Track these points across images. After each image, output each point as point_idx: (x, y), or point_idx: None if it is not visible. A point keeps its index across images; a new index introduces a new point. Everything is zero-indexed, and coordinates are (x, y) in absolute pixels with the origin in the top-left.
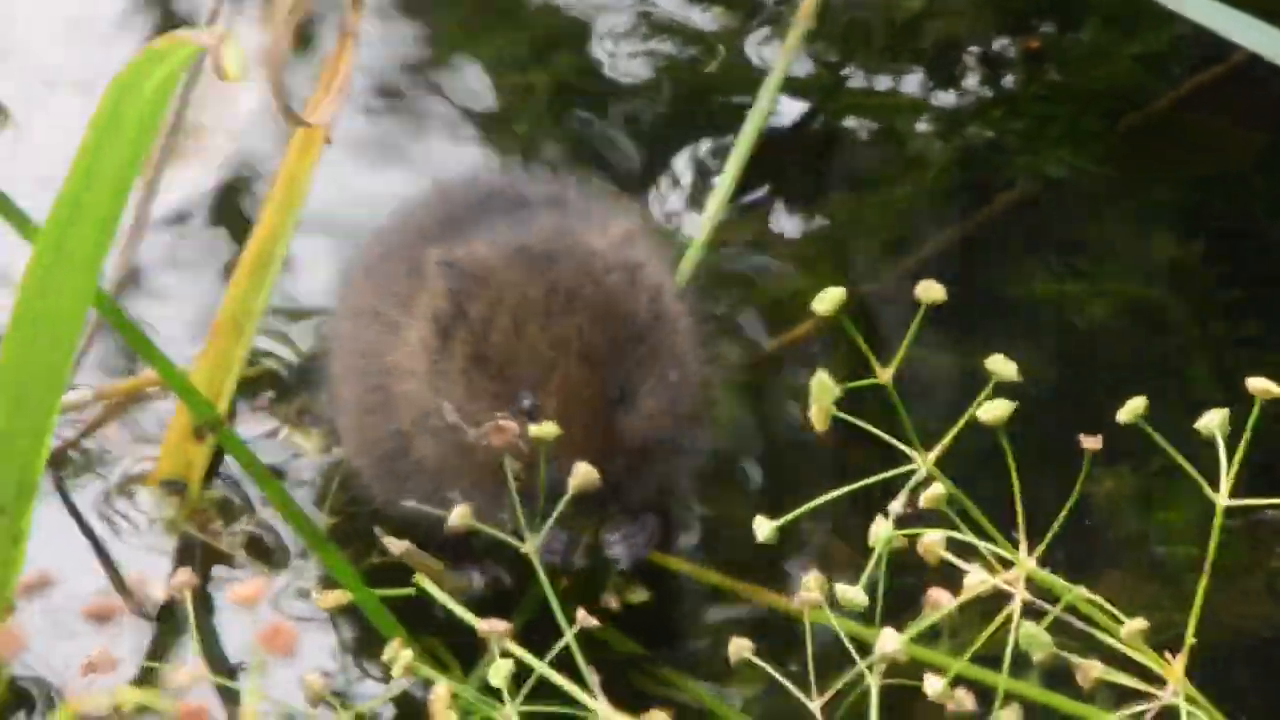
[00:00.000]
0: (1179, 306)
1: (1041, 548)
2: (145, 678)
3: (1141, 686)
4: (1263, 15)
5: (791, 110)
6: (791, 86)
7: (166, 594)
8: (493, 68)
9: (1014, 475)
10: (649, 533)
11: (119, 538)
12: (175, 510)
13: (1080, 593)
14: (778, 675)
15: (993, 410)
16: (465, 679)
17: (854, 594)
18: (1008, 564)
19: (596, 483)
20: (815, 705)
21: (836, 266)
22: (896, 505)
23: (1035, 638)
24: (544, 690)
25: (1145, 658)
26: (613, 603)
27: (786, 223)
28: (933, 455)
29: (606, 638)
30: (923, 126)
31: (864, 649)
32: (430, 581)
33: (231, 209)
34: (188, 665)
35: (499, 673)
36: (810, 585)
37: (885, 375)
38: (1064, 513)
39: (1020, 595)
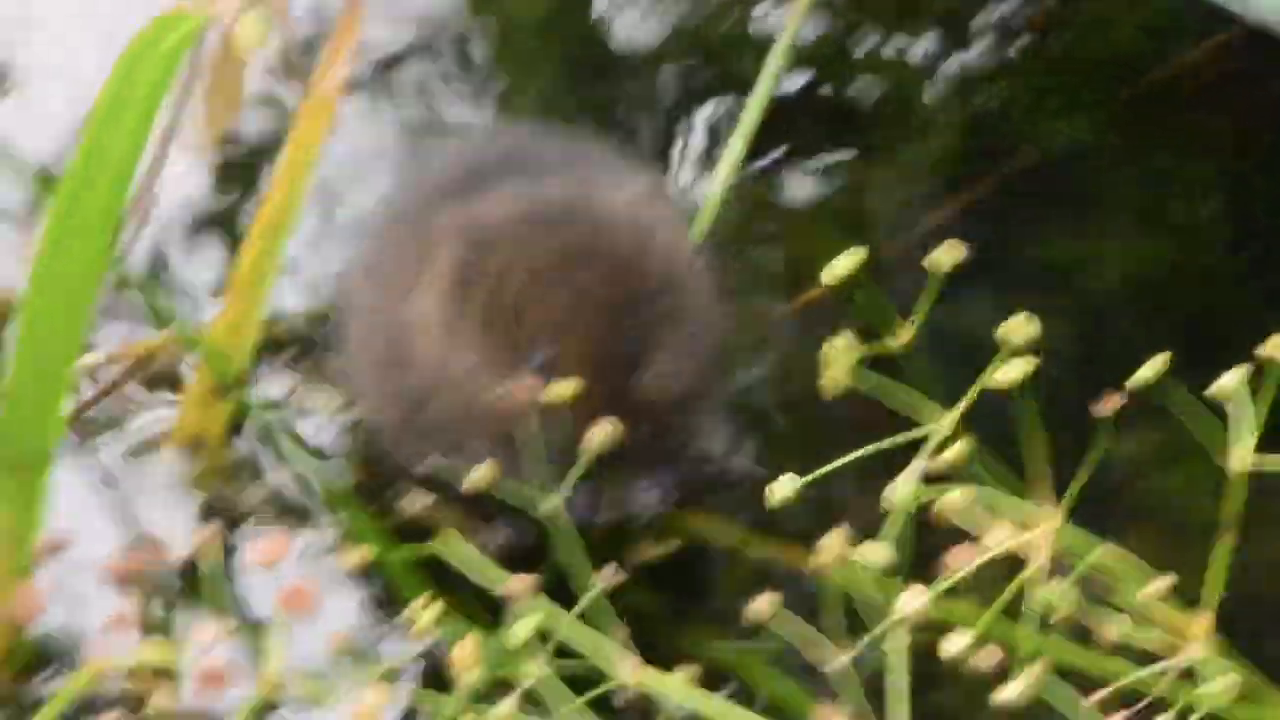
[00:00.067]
0: (1191, 269)
1: (1063, 507)
2: (166, 637)
3: (1165, 645)
4: None
5: (802, 75)
6: (800, 51)
7: (188, 553)
8: (502, 32)
9: (1035, 436)
10: (668, 486)
11: (139, 498)
12: (195, 470)
13: (1104, 551)
14: (801, 632)
15: (1009, 373)
16: (490, 635)
17: (876, 551)
18: (1030, 524)
19: (615, 439)
20: (839, 662)
21: (848, 231)
22: (918, 467)
23: (1058, 596)
24: (569, 646)
25: (1169, 616)
26: (640, 557)
27: (796, 187)
28: (950, 417)
29: (631, 593)
30: (932, 91)
31: (887, 607)
32: (454, 538)
33: (246, 170)
34: (209, 624)
35: (524, 629)
36: (833, 543)
37: (901, 340)
38: (1084, 473)
39: (1043, 554)
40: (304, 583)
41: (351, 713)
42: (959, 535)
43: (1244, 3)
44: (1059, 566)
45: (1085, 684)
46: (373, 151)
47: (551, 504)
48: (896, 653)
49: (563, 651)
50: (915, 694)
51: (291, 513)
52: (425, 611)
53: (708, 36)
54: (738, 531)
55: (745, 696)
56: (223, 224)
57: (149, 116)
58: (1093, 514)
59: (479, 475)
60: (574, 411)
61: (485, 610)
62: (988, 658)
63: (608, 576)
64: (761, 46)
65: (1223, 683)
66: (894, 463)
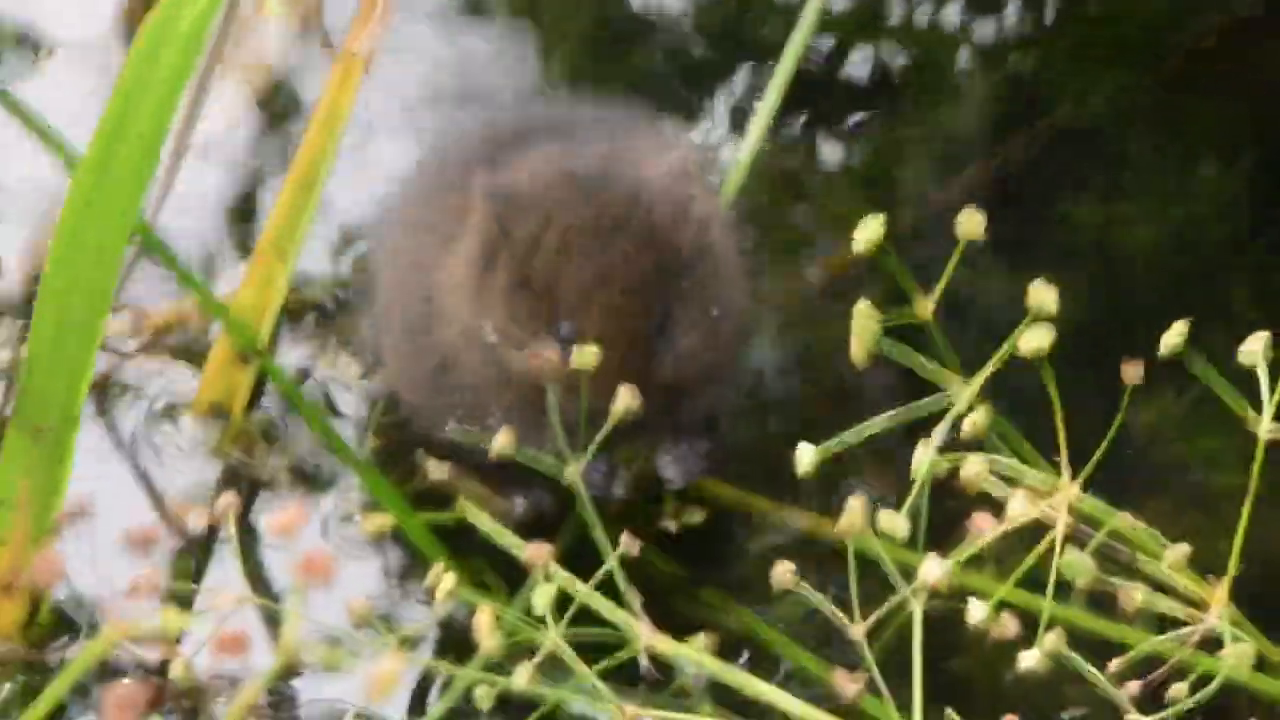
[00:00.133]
0: (1222, 233)
1: (1084, 475)
2: (187, 603)
3: (1185, 610)
4: None
5: (830, 39)
6: (831, 15)
7: (209, 519)
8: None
9: (1056, 402)
10: (701, 455)
11: (161, 464)
12: (218, 436)
13: (1123, 519)
14: (821, 600)
15: (1034, 339)
16: (509, 603)
17: (896, 521)
18: (1051, 491)
19: (636, 410)
20: (859, 630)
21: (878, 195)
22: (940, 432)
23: (1078, 564)
24: (587, 614)
25: (1189, 582)
26: (671, 526)
27: (827, 152)
28: (975, 383)
29: (649, 562)
30: (964, 56)
31: (907, 575)
32: (474, 506)
33: (273, 136)
34: (230, 589)
35: (542, 596)
36: (853, 511)
37: (926, 307)
38: (1106, 440)
39: (1063, 522)
40: (323, 550)
41: (369, 680)
42: (980, 503)
43: None
44: (1078, 535)
45: (1103, 652)
46: (400, 117)
47: (570, 473)
48: (915, 621)
49: (581, 616)
50: (933, 662)
51: (311, 480)
52: (444, 579)
53: (737, 1)
54: (758, 499)
55: (762, 664)
56: (249, 189)
57: (176, 80)
58: (1112, 482)
59: (500, 442)
60: (595, 382)
61: (505, 577)
62: (1008, 626)
63: (626, 543)
64: (791, 10)
65: (1239, 651)
66: (917, 431)
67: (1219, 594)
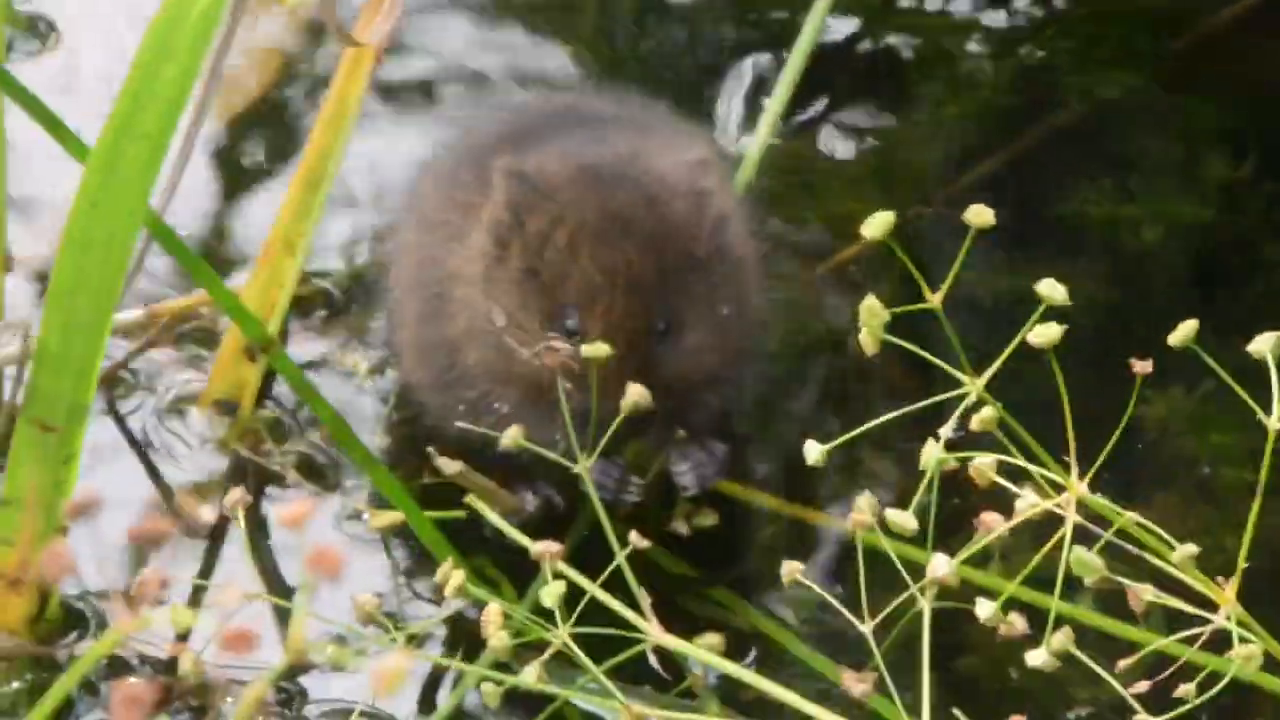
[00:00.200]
0: (1231, 228)
1: (1092, 471)
2: (196, 598)
3: (1194, 610)
4: None
5: (843, 29)
6: (843, 5)
7: (218, 514)
8: None
9: (1064, 398)
10: (719, 460)
11: (170, 458)
12: (226, 431)
13: (1131, 517)
14: (829, 598)
15: (1043, 333)
16: (517, 600)
17: (904, 518)
18: (1059, 488)
19: (645, 407)
20: (867, 628)
21: (887, 187)
22: (948, 428)
23: (1087, 562)
24: (596, 612)
25: (1197, 582)
26: (683, 529)
27: (837, 143)
28: (983, 378)
29: (658, 560)
30: (974, 47)
31: (916, 572)
32: (483, 502)
33: (282, 128)
34: (238, 585)
35: (551, 594)
36: (861, 508)
37: (935, 299)
38: (1115, 436)
39: (1071, 519)
40: (332, 546)
41: (376, 677)
42: (989, 500)
43: None
44: (1083, 532)
45: (1111, 651)
46: (412, 107)
47: (580, 469)
48: (923, 619)
49: (590, 614)
50: (940, 661)
51: (320, 475)
52: (454, 575)
53: None
54: (765, 497)
55: (769, 663)
56: (259, 181)
57: (184, 80)
58: (1121, 478)
59: (509, 437)
60: (602, 379)
61: (513, 574)
62: (1016, 624)
63: (635, 541)
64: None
65: (1248, 651)
66: (925, 426)
67: (1228, 592)
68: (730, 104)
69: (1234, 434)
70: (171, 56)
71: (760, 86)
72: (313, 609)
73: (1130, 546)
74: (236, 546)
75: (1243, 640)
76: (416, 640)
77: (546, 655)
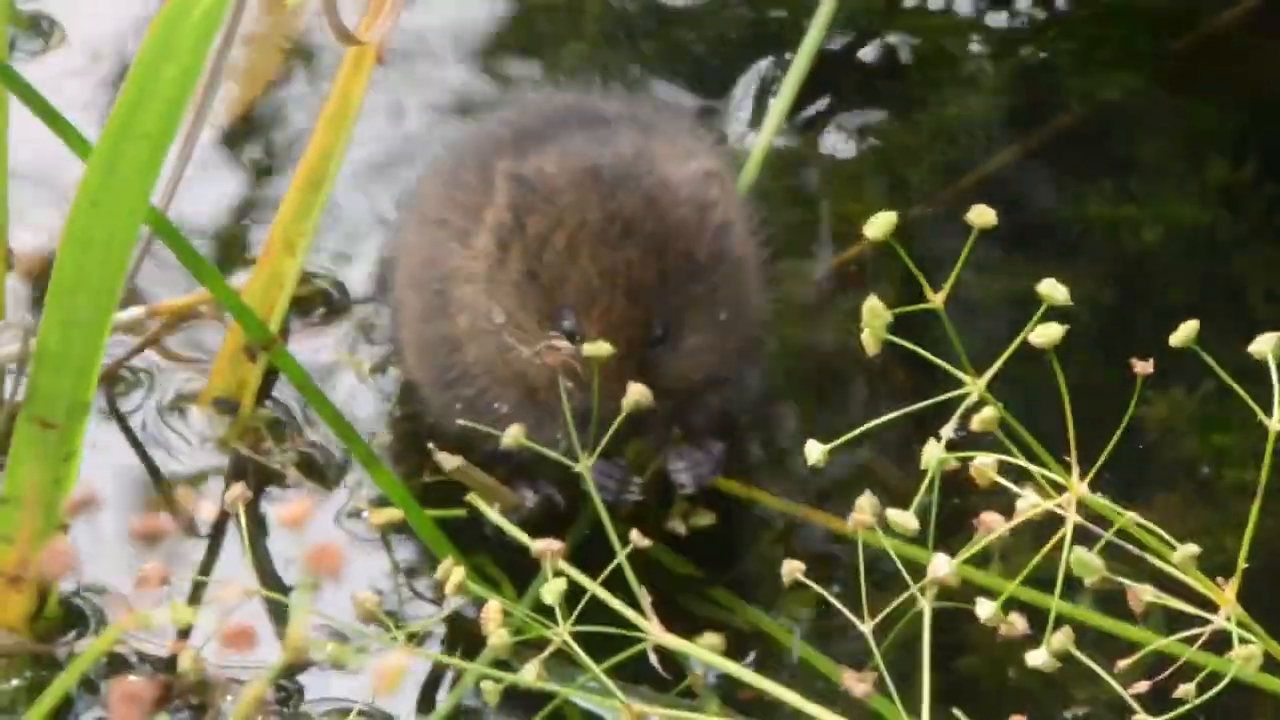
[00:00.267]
0: (1232, 229)
1: (1093, 472)
2: (196, 596)
3: (1194, 611)
4: None
5: (847, 31)
6: (847, 6)
7: (218, 512)
8: None
9: (1066, 398)
10: (715, 459)
11: (170, 456)
12: (227, 429)
13: (1132, 517)
14: (830, 598)
15: (1045, 334)
16: (518, 598)
17: (905, 518)
18: (1060, 488)
19: (646, 406)
20: (867, 628)
21: (889, 188)
22: (949, 429)
23: (1087, 562)
24: (596, 610)
25: (1197, 582)
26: (679, 528)
27: (840, 144)
28: (984, 379)
29: (659, 559)
30: (975, 47)
31: (916, 572)
32: (483, 500)
33: (284, 127)
34: (237, 583)
35: (551, 592)
36: (862, 508)
37: (938, 299)
38: (1116, 436)
39: (1072, 519)
40: (332, 545)
41: (376, 675)
42: (989, 500)
43: None
44: (1083, 533)
45: (1111, 651)
46: (413, 105)
47: (581, 467)
48: (923, 619)
49: (590, 613)
50: (940, 661)
51: (321, 473)
52: (454, 573)
53: None
54: (766, 497)
55: (770, 663)
56: (261, 180)
57: (185, 81)
58: (1122, 478)
59: (510, 435)
60: (601, 381)
61: (514, 572)
62: (1016, 624)
63: (636, 540)
64: (810, 2)
65: (1248, 651)
66: (927, 426)
67: (1228, 593)
68: (735, 104)
69: (1235, 435)
70: (173, 56)
71: (765, 87)
72: (313, 607)
73: (1131, 547)
74: (236, 544)
75: (1243, 641)
76: (416, 638)
77: (546, 653)
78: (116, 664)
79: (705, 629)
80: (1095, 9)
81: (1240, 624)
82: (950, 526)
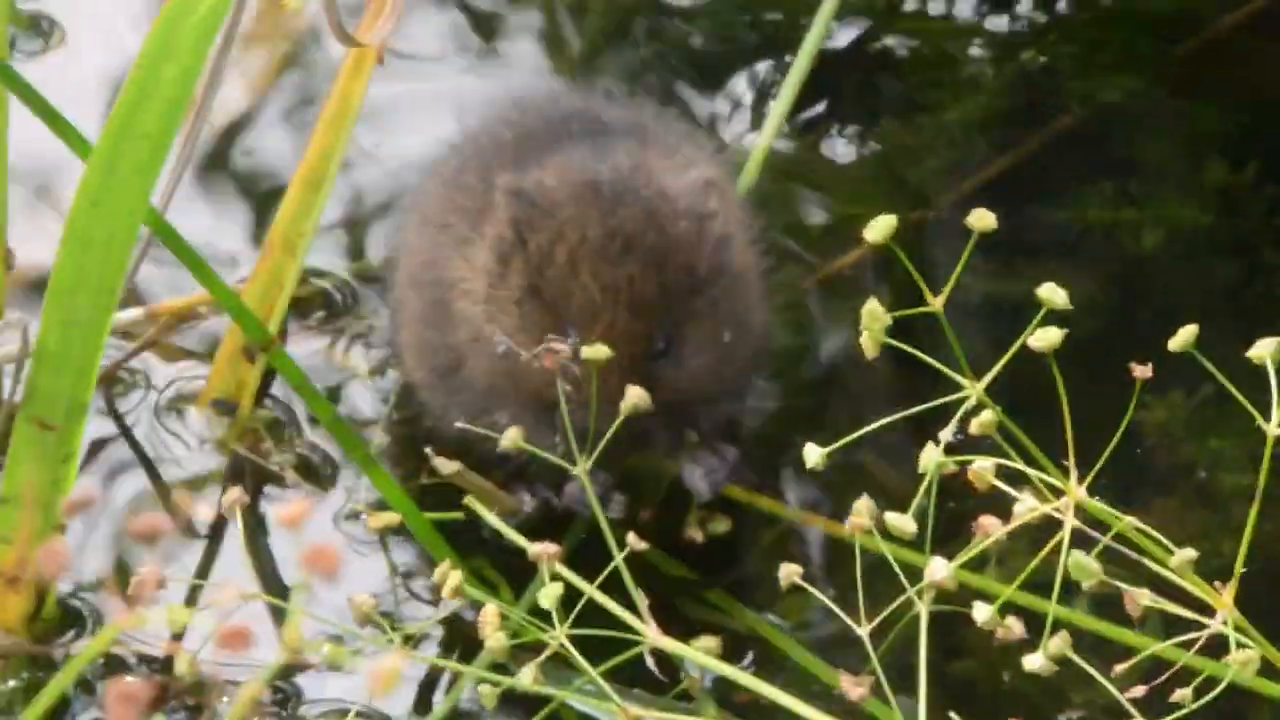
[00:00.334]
0: (1231, 233)
1: (1091, 476)
2: (193, 597)
3: (1191, 615)
4: None
5: (847, 33)
6: (847, 8)
7: (216, 513)
8: None
9: (1064, 402)
10: (730, 465)
11: (169, 457)
12: (225, 430)
13: (1130, 522)
14: (827, 601)
15: (1044, 338)
16: (515, 601)
17: (903, 522)
18: (1058, 492)
19: (644, 419)
20: (864, 631)
21: (889, 191)
22: (947, 432)
23: (1084, 566)
24: (593, 613)
25: (1194, 587)
26: (697, 536)
27: (840, 146)
28: (983, 382)
29: (656, 562)
30: (976, 51)
31: (914, 576)
32: (481, 504)
33: (283, 128)
34: (235, 584)
35: (549, 595)
36: (860, 511)
37: (937, 302)
38: (1114, 441)
39: (1069, 523)
40: (329, 546)
41: (372, 676)
42: (987, 504)
43: None
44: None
45: (1108, 655)
46: (413, 107)
47: (578, 471)
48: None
49: (587, 616)
50: (937, 665)
51: (319, 475)
52: (451, 575)
53: None
54: (764, 500)
55: (767, 667)
56: (260, 180)
57: (185, 81)
58: (1120, 482)
59: (508, 438)
60: (600, 395)
61: (511, 575)
62: (1013, 627)
63: (633, 543)
64: (810, 2)
65: (1245, 656)
66: (926, 430)
67: (1226, 597)
68: (734, 107)
69: (1233, 439)
70: (174, 56)
71: (765, 88)
72: (310, 609)
73: (1128, 551)
74: (235, 545)
75: (1240, 645)
76: (413, 641)
77: (543, 656)
78: (113, 665)
79: (702, 632)
80: (1096, 13)
81: (1238, 628)
82: (949, 530)
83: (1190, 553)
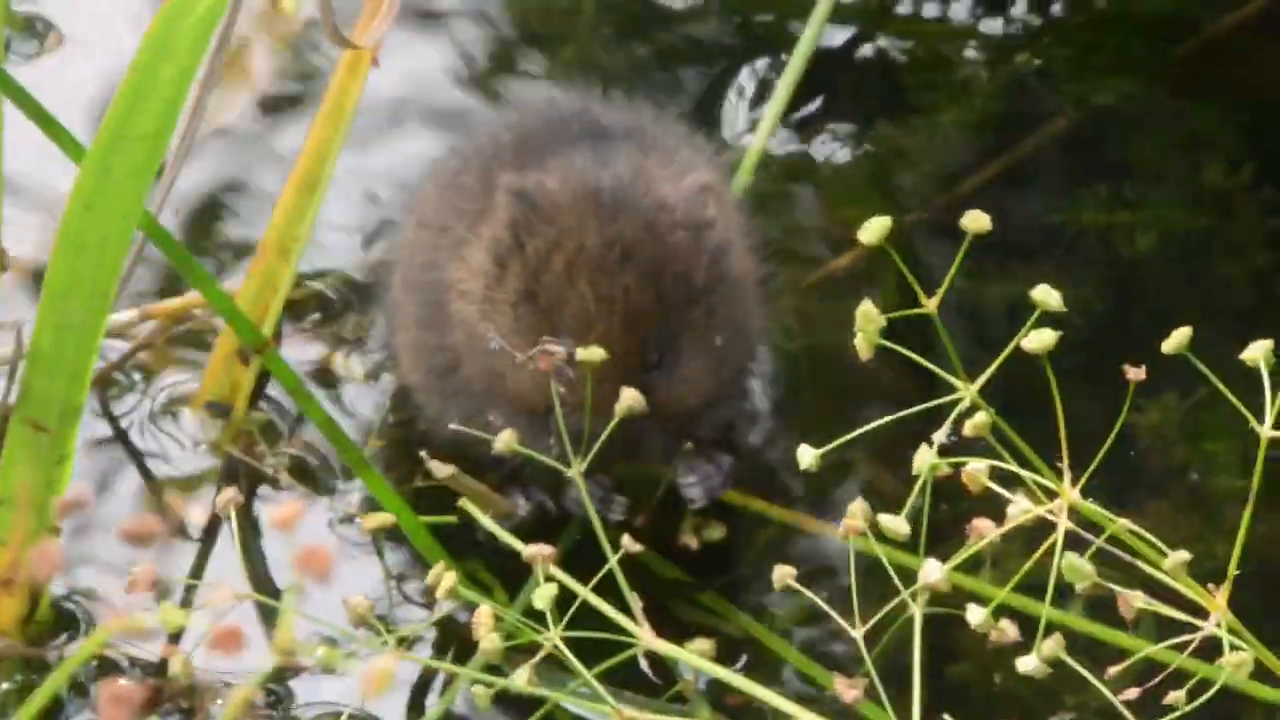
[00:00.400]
0: (1226, 235)
1: (1085, 478)
2: (187, 599)
3: (1184, 617)
4: None
5: (841, 35)
6: (841, 11)
7: (209, 515)
8: None
9: (1058, 405)
10: (725, 471)
11: (163, 459)
12: (219, 432)
13: (1123, 524)
14: (821, 603)
15: (1038, 340)
16: (509, 603)
17: (897, 524)
18: (1051, 494)
19: (637, 422)
20: (858, 633)
21: (884, 193)
22: (941, 434)
23: (1078, 568)
24: (587, 616)
25: (1188, 589)
26: (692, 542)
27: (834, 148)
28: (977, 384)
29: (650, 565)
30: (970, 53)
31: (908, 578)
32: (475, 506)
33: (278, 131)
34: (227, 586)
35: (543, 597)
36: (854, 513)
37: (931, 304)
38: (1108, 443)
39: (1063, 525)
40: (322, 547)
41: (365, 678)
42: (981, 506)
43: None
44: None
45: (1101, 657)
46: (410, 109)
47: (573, 473)
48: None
49: (581, 618)
50: (931, 667)
51: (313, 478)
52: (445, 577)
53: None
54: (758, 502)
55: (761, 669)
56: (255, 183)
57: (180, 83)
58: (1113, 485)
59: (502, 440)
60: (594, 400)
61: (505, 577)
62: (1007, 630)
63: (627, 545)
64: (804, 3)
65: (1239, 658)
66: (919, 432)
67: (1219, 599)
68: (729, 109)
69: (1226, 441)
70: (169, 58)
71: (760, 90)
72: (304, 611)
73: (1122, 553)
74: (228, 547)
75: (1233, 647)
76: (407, 643)
77: (537, 658)
78: (106, 667)
79: (696, 634)
80: (1090, 16)
81: (1231, 630)
82: (942, 532)
83: (1184, 555)
